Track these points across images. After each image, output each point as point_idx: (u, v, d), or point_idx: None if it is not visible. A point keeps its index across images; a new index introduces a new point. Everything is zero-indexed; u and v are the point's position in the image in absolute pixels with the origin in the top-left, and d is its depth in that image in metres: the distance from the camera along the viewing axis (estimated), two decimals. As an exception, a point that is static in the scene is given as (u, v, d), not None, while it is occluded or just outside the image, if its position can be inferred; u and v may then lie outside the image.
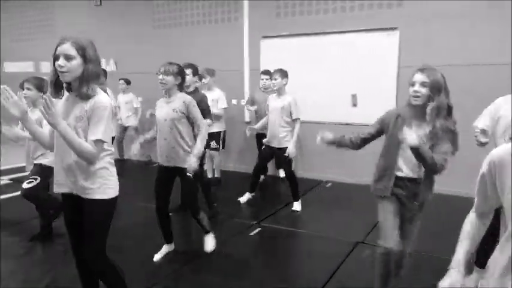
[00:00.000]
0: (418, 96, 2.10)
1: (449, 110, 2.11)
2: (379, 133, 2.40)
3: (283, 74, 4.16)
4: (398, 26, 4.87)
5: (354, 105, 5.28)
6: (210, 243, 3.28)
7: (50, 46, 1.95)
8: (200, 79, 4.38)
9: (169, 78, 2.89)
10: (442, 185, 4.55)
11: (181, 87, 3.00)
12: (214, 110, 4.80)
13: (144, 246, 3.34)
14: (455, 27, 4.60)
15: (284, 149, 4.09)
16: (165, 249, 3.20)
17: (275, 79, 4.12)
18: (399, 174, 2.28)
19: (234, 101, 5.92)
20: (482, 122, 2.65)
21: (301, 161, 5.69)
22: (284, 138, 4.12)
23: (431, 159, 2.03)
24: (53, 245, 3.37)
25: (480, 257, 2.67)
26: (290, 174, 4.26)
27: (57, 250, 3.26)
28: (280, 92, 4.15)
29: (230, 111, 5.58)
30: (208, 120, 3.58)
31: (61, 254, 3.14)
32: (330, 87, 5.37)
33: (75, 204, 2.03)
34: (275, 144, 4.17)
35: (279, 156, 4.27)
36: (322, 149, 5.50)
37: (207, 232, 3.28)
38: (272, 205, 4.51)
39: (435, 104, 2.07)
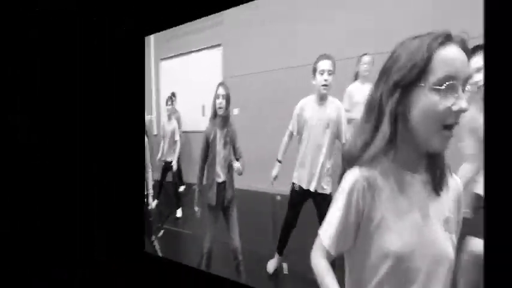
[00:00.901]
0: (222, 108, 2.59)
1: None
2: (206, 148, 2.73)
3: None
4: (221, 42, 5.54)
5: (203, 115, 5.93)
6: None
7: None
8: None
9: None
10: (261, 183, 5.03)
11: None
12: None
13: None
14: (272, 32, 4.95)
15: None
16: None
17: None
18: (218, 180, 2.68)
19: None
20: (291, 125, 2.85)
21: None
22: None
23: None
24: None
25: (279, 246, 2.97)
26: None
27: None
28: None
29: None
30: None
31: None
32: (187, 101, 6.01)
33: None
34: None
35: None
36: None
37: None
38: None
39: (228, 113, 2.63)
